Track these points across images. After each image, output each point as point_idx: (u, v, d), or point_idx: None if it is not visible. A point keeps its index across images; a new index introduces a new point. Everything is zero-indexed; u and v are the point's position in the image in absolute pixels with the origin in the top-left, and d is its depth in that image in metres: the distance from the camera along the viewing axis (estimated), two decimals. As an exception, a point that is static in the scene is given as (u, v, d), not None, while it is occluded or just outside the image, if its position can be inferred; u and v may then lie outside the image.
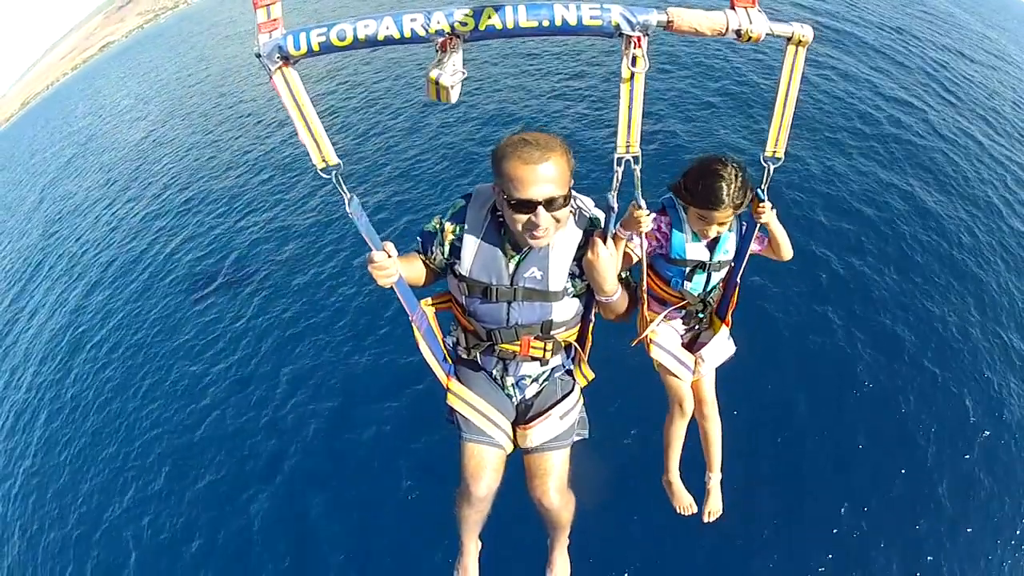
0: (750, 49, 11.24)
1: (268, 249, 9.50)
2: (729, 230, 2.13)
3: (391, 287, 1.74)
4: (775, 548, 4.63)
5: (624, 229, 1.88)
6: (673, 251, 2.15)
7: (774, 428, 5.35)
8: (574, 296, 1.94)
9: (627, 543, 4.67)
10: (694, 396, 2.44)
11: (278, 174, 12.05)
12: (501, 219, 1.84)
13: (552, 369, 2.14)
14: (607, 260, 1.77)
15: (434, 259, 1.96)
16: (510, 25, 1.40)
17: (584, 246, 1.83)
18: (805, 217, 7.51)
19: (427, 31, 1.39)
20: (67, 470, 7.13)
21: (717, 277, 2.23)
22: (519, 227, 1.71)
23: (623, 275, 2.02)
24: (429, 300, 2.07)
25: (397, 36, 1.39)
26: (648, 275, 2.10)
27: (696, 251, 2.14)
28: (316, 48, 1.40)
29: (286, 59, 1.42)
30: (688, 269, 2.18)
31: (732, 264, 2.21)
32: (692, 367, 2.38)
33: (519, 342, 1.96)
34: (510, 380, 2.11)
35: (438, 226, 1.92)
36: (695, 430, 2.57)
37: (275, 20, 1.39)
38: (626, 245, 1.95)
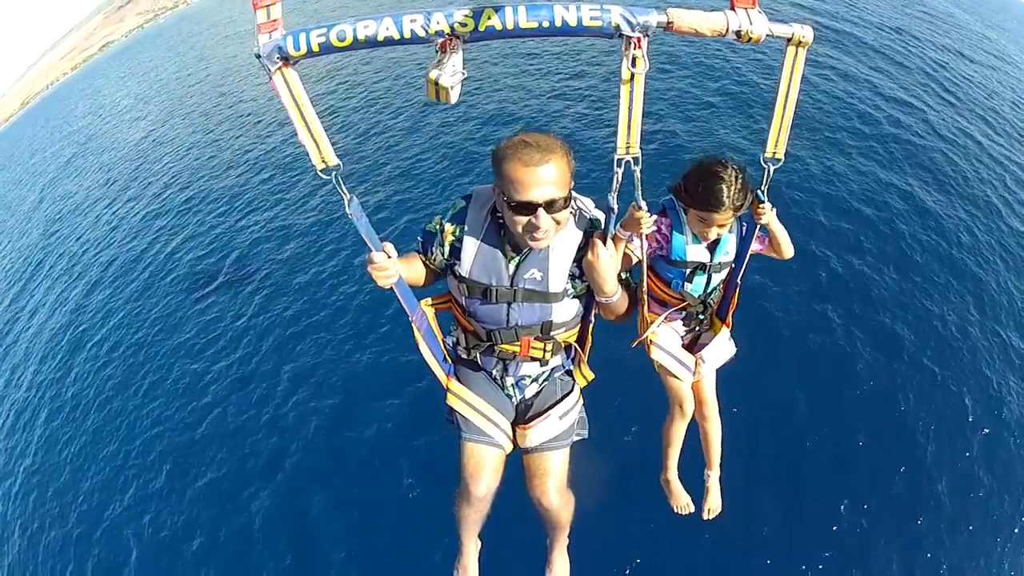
0: (749, 49, 11.22)
1: (269, 248, 9.51)
2: (729, 231, 2.12)
3: (391, 288, 1.74)
4: (775, 548, 4.64)
5: (624, 230, 1.87)
6: (673, 253, 2.15)
7: (774, 428, 5.36)
8: (574, 297, 1.94)
9: (627, 543, 4.67)
10: (695, 397, 2.44)
11: (279, 173, 12.06)
12: (501, 220, 1.84)
13: (552, 369, 2.14)
14: (607, 261, 1.77)
15: (434, 260, 1.95)
16: (510, 26, 1.39)
17: (584, 247, 1.83)
18: (805, 217, 7.52)
19: (427, 32, 1.39)
20: (68, 468, 7.14)
21: (718, 278, 2.23)
22: (519, 229, 1.71)
23: (623, 276, 2.02)
24: (429, 300, 2.07)
25: (397, 37, 1.39)
26: (648, 276, 2.10)
27: (696, 253, 2.14)
28: (316, 49, 1.40)
29: (286, 60, 1.41)
30: (688, 270, 2.18)
31: (733, 265, 2.20)
32: (693, 368, 2.38)
33: (519, 343, 1.96)
34: (510, 380, 2.11)
35: (438, 227, 1.92)
36: (695, 430, 2.57)
37: (275, 21, 1.39)
38: (626, 246, 1.95)
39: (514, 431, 2.14)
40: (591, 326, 2.09)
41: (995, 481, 5.01)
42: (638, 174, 1.61)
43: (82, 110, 35.34)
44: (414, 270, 1.94)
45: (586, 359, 2.15)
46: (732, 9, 1.47)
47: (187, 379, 7.47)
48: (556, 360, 2.11)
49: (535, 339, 1.96)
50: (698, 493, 2.66)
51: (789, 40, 1.55)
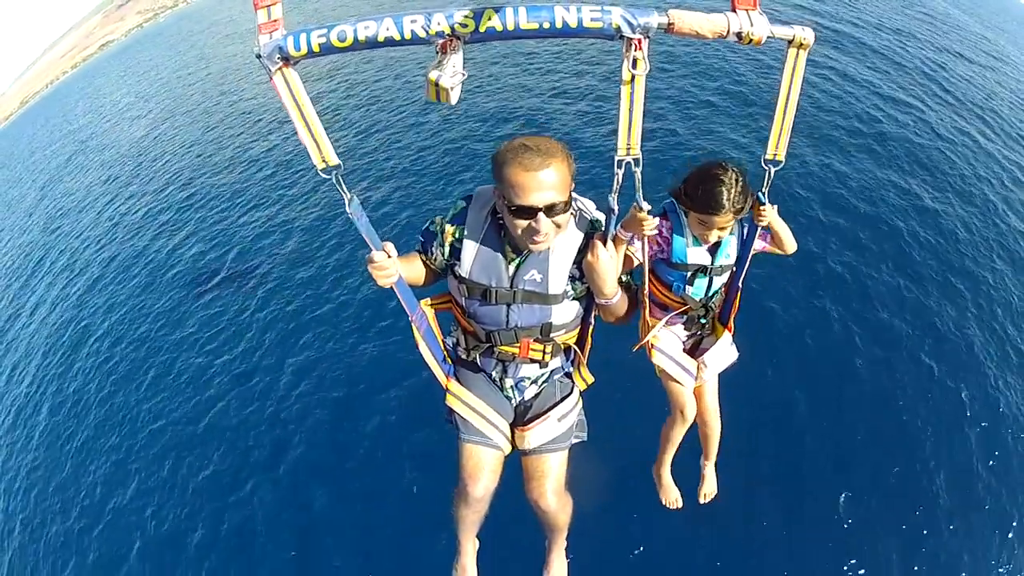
0: (749, 49, 11.21)
1: (271, 243, 9.51)
2: (730, 234, 2.12)
3: (391, 287, 1.74)
4: (775, 547, 4.64)
5: (626, 231, 1.86)
6: (674, 255, 2.14)
7: (774, 428, 5.35)
8: (574, 299, 1.93)
9: (626, 544, 4.67)
10: (696, 402, 2.42)
11: (280, 170, 12.05)
12: (501, 221, 1.83)
13: (551, 371, 2.14)
14: (607, 263, 1.77)
15: (434, 260, 1.95)
16: (510, 27, 1.39)
17: (584, 248, 1.83)
18: (803, 214, 7.51)
19: (427, 32, 1.39)
20: (70, 463, 7.15)
21: (719, 281, 2.22)
22: (519, 232, 1.71)
23: (623, 278, 2.01)
24: (429, 300, 2.07)
25: (397, 37, 1.39)
26: (650, 280, 2.09)
27: (697, 255, 2.14)
28: (316, 49, 1.40)
29: (286, 60, 1.41)
30: (690, 273, 2.17)
31: (734, 268, 2.19)
32: (695, 373, 2.36)
33: (518, 344, 1.96)
34: (509, 382, 2.11)
35: (439, 227, 1.92)
36: (694, 430, 2.56)
37: (276, 21, 1.39)
38: (627, 248, 1.94)
39: (513, 433, 2.13)
40: (591, 328, 2.08)
41: (993, 476, 5.02)
42: (639, 175, 1.61)
43: (82, 108, 35.26)
44: (414, 270, 1.94)
45: (586, 361, 2.14)
46: (733, 10, 1.46)
47: (190, 373, 7.47)
48: (556, 362, 2.10)
49: (535, 341, 1.96)
50: (695, 481, 2.67)
51: (790, 42, 1.54)
